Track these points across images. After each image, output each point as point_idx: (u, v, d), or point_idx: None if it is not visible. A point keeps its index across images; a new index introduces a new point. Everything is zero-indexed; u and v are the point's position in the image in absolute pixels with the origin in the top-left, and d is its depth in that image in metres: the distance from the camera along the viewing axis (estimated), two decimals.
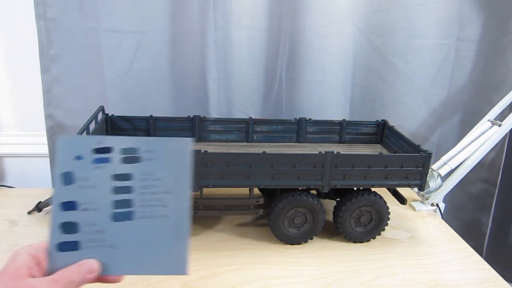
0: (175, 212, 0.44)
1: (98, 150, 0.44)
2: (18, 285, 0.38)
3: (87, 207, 0.43)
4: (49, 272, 0.42)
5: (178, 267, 0.44)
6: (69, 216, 0.43)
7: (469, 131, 1.03)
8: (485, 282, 0.74)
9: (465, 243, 0.87)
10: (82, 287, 0.42)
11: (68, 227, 0.43)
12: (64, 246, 0.43)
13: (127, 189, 0.44)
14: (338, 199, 0.84)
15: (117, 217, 0.44)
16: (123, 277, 0.45)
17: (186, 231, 0.44)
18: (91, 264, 0.42)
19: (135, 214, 0.44)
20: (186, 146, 0.45)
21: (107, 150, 0.44)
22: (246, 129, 0.98)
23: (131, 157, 0.44)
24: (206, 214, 0.82)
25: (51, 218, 0.43)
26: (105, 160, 0.44)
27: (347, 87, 1.11)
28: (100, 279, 0.43)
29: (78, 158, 0.44)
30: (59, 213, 0.43)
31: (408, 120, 1.13)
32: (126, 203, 0.44)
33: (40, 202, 0.90)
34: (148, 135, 0.95)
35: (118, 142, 0.44)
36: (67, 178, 0.43)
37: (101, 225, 0.44)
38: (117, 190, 0.44)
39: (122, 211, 0.44)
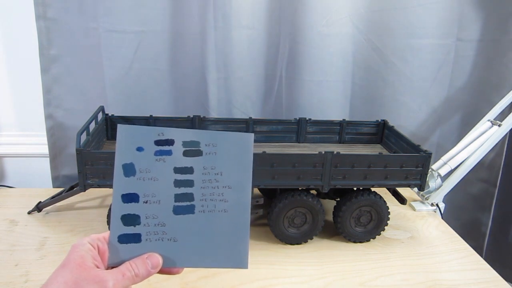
0: (235, 206, 0.44)
1: (159, 142, 0.43)
2: (85, 275, 0.38)
3: (148, 200, 0.43)
4: (110, 263, 0.42)
5: (238, 261, 0.44)
6: (130, 208, 0.43)
7: (469, 131, 1.03)
8: (485, 282, 0.74)
9: (465, 243, 0.87)
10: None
11: (129, 219, 0.43)
12: (126, 238, 0.43)
13: (188, 183, 0.44)
14: (338, 199, 0.84)
15: (178, 211, 0.44)
16: (183, 269, 0.45)
17: (247, 225, 0.44)
18: (156, 259, 0.42)
19: (196, 208, 0.44)
20: (247, 141, 0.45)
21: (168, 142, 0.44)
22: (246, 129, 0.97)
23: (192, 150, 0.44)
24: None
25: (112, 209, 0.43)
26: (167, 153, 0.43)
27: (347, 87, 1.11)
28: (161, 271, 0.44)
29: (139, 149, 0.43)
30: (120, 205, 0.43)
31: (408, 120, 1.13)
32: (187, 197, 0.44)
33: (40, 202, 0.90)
34: None
35: (180, 135, 0.44)
36: (128, 170, 0.43)
37: (162, 218, 0.43)
38: (179, 183, 0.44)
39: (183, 205, 0.44)
